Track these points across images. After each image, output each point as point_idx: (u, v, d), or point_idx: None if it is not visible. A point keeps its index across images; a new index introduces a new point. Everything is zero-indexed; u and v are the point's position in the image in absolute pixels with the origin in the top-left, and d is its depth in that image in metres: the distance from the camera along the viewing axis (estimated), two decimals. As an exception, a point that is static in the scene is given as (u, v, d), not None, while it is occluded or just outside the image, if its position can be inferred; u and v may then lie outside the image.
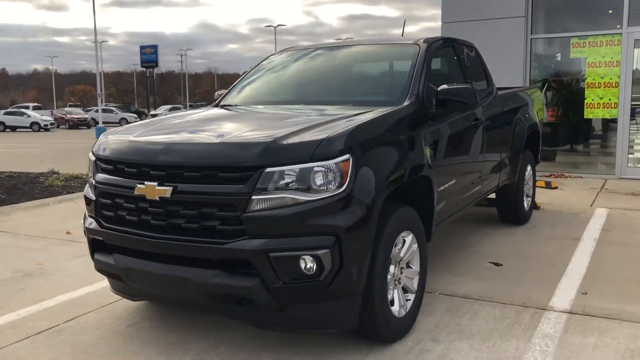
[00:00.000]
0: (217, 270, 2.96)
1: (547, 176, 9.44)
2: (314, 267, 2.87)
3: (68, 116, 48.52)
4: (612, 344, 3.35)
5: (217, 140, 3.12)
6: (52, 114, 48.61)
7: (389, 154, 3.32)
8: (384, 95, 4.14)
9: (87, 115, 49.16)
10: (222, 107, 4.55)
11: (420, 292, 3.65)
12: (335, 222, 2.90)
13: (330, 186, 2.91)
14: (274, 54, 5.28)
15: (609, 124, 10.41)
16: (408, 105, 3.79)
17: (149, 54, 70.31)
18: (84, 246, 5.73)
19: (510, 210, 6.18)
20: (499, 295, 4.16)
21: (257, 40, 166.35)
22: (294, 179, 2.89)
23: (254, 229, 2.89)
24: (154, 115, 56.55)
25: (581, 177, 9.60)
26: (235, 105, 4.54)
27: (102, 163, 3.44)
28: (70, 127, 47.12)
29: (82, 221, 3.68)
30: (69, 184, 9.45)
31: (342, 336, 3.45)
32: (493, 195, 6.02)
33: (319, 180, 2.90)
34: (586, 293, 4.16)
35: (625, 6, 9.24)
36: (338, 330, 3.20)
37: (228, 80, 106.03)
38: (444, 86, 4.01)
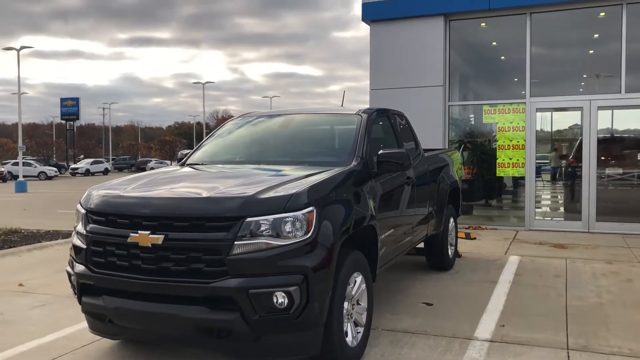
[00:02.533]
0: (201, 307, 3.47)
1: (466, 228, 10.42)
2: (286, 302, 3.44)
3: (-19, 170, 46.23)
4: (525, 364, 4.09)
5: (205, 195, 3.68)
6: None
7: (343, 206, 3.99)
8: (334, 157, 4.86)
9: (2, 169, 47.16)
10: (190, 165, 5.08)
11: (368, 326, 4.27)
12: (303, 262, 3.50)
13: (298, 233, 3.53)
14: (233, 119, 5.91)
15: (519, 181, 11.66)
16: (355, 166, 4.50)
17: (70, 106, 68.86)
18: (40, 297, 6.02)
19: (437, 257, 6.98)
20: (432, 329, 4.84)
21: (182, 94, 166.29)
22: (269, 227, 3.49)
23: (235, 270, 3.43)
24: (75, 169, 55.37)
25: (496, 229, 10.67)
26: (203, 164, 5.09)
27: (94, 215, 3.89)
28: (-17, 181, 44.89)
29: (68, 268, 4.06)
30: (9, 238, 9.46)
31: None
32: (421, 245, 6.81)
33: (288, 227, 3.51)
34: (504, 325, 4.92)
35: (527, 79, 10.62)
36: (304, 357, 3.74)
37: (152, 134, 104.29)
38: (383, 150, 4.76)
